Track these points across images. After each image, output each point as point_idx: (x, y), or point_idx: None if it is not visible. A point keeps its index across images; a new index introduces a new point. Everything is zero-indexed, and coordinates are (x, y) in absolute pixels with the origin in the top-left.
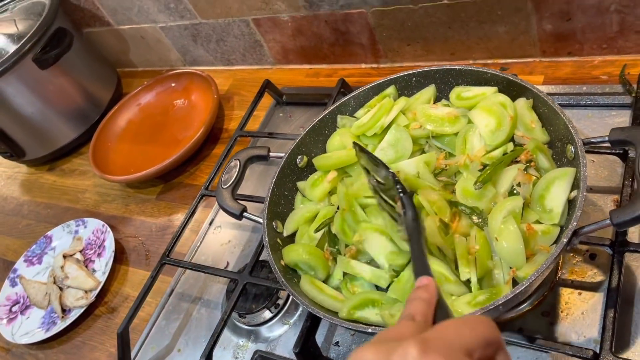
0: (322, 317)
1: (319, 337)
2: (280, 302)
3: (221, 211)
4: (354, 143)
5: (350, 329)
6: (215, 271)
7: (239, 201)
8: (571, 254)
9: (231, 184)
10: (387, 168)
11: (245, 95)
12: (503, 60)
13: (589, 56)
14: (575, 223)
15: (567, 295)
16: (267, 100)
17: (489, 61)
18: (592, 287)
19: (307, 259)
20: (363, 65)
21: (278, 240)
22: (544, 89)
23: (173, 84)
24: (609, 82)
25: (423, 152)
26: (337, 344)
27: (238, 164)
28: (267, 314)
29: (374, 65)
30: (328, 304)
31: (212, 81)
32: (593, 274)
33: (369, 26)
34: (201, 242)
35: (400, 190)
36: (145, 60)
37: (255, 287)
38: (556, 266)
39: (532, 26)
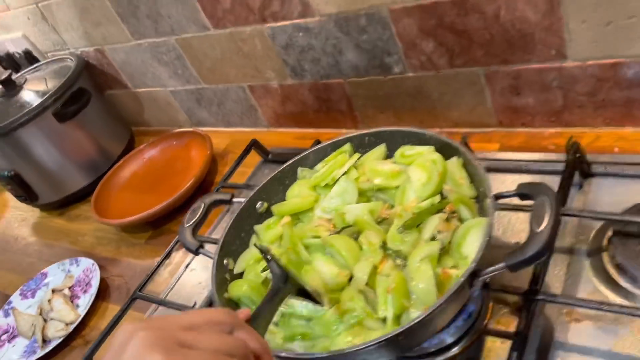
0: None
1: None
2: None
3: (198, 256)
4: (257, 246)
5: (279, 356)
6: (180, 307)
7: (201, 241)
8: (500, 305)
9: (192, 223)
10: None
11: (239, 153)
12: (465, 130)
13: (540, 128)
14: (473, 264)
15: (491, 343)
16: (257, 158)
17: (454, 130)
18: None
19: (249, 294)
20: (344, 130)
21: (226, 276)
22: (500, 155)
23: (175, 142)
24: (556, 151)
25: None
26: None
27: (202, 205)
28: None
29: (353, 130)
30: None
31: (208, 139)
32: (516, 325)
33: (346, 95)
34: (176, 283)
35: (269, 258)
36: (157, 120)
37: None
38: (483, 315)
39: (487, 99)
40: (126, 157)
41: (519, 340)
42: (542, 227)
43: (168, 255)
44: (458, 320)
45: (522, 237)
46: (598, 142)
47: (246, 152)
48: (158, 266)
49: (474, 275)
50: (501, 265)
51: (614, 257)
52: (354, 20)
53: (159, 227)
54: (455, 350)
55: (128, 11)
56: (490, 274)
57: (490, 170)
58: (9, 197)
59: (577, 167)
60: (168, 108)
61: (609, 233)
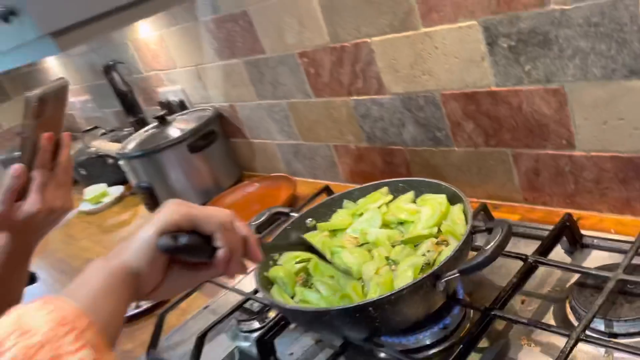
0: (278, 304)
1: (279, 346)
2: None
3: None
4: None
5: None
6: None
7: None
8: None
9: (257, 224)
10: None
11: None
12: (496, 202)
13: (557, 207)
14: (436, 267)
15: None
16: None
17: (487, 201)
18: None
19: (282, 277)
20: None
21: (270, 262)
22: (520, 223)
23: (269, 182)
24: None
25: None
26: (291, 354)
27: (267, 212)
28: (256, 324)
29: None
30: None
31: (294, 183)
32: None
33: (406, 160)
34: None
35: None
36: (262, 167)
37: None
38: (460, 330)
39: (514, 177)
40: (231, 189)
41: (466, 343)
42: (489, 246)
43: None
44: (434, 327)
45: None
46: (600, 224)
47: (318, 194)
48: None
49: (436, 276)
50: (455, 271)
51: (571, 301)
52: (414, 100)
53: None
54: (432, 352)
55: (257, 78)
56: (448, 277)
57: None
58: (141, 208)
59: (567, 234)
60: (272, 158)
61: (573, 282)
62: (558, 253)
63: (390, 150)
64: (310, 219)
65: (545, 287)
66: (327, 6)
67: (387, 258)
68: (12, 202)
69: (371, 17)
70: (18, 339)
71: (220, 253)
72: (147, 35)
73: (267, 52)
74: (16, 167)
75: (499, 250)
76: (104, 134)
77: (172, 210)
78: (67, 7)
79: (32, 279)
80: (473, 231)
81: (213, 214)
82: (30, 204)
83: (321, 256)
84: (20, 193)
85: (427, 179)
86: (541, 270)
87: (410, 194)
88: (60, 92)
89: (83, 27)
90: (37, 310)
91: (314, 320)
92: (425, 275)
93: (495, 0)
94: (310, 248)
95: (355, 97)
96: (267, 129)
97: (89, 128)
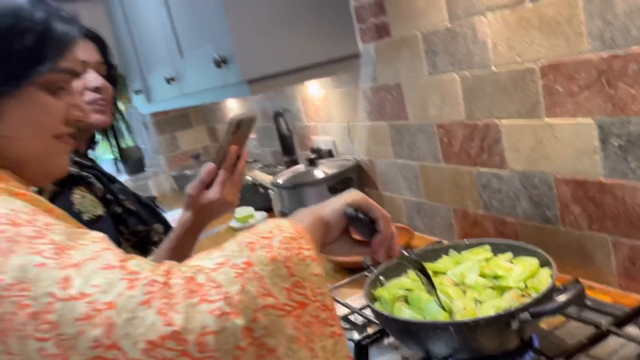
0: (379, 311)
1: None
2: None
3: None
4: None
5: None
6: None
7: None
8: None
9: None
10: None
11: None
12: (592, 283)
13: None
14: (512, 308)
15: None
16: None
17: (586, 281)
18: None
19: (386, 297)
20: None
21: (377, 284)
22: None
23: None
24: None
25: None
26: None
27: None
28: (356, 335)
29: None
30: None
31: (412, 234)
32: None
33: (516, 232)
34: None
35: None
36: None
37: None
38: None
39: (612, 262)
40: None
41: None
42: (559, 298)
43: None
44: None
45: None
46: None
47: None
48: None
49: (511, 315)
50: (527, 313)
51: None
52: (531, 179)
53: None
54: None
55: (397, 139)
56: (522, 318)
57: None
58: None
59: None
60: (398, 210)
61: None
62: (635, 330)
63: (503, 220)
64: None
65: (614, 356)
66: (468, 90)
67: (475, 299)
68: (201, 190)
69: (503, 103)
70: (279, 232)
71: (378, 236)
72: (315, 92)
73: (410, 119)
74: (209, 165)
75: (569, 303)
76: (260, 167)
77: (356, 193)
78: (265, 62)
79: None
80: (553, 288)
81: (380, 207)
82: (213, 193)
83: (427, 281)
84: (207, 184)
85: (525, 244)
86: (615, 340)
87: (508, 254)
88: (250, 121)
89: (272, 79)
90: (287, 220)
91: (404, 329)
92: (502, 312)
93: (611, 104)
94: (421, 271)
95: (479, 168)
96: (397, 185)
97: (250, 160)
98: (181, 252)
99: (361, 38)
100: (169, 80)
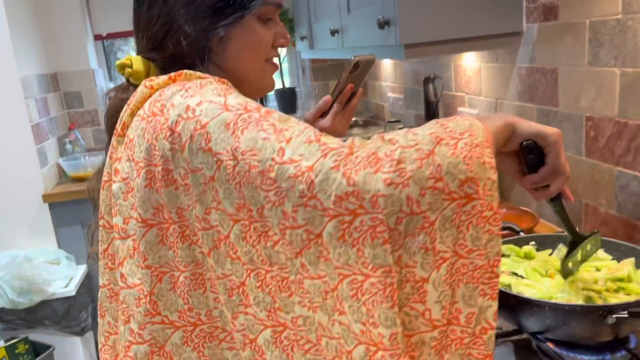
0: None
1: None
2: None
3: None
4: None
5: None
6: None
7: None
8: None
9: None
10: None
11: None
12: None
13: None
14: (610, 304)
15: None
16: None
17: None
18: None
19: None
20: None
21: None
22: None
23: (516, 213)
24: None
25: None
26: None
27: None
28: None
29: None
30: None
31: (536, 220)
32: None
33: None
34: None
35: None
36: (516, 200)
37: None
38: None
39: None
40: None
41: None
42: None
43: None
44: (592, 356)
45: None
46: None
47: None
48: None
49: (610, 310)
50: (625, 312)
51: None
52: None
53: None
54: None
55: (542, 123)
56: (618, 314)
57: None
58: None
59: None
60: (527, 194)
61: None
62: None
63: (635, 225)
64: (533, 242)
65: None
66: (626, 86)
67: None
68: (316, 117)
69: None
70: (469, 137)
71: (544, 169)
72: (469, 63)
73: (560, 106)
74: (327, 97)
75: None
76: (401, 128)
77: (554, 131)
78: (425, 29)
79: None
80: None
81: (554, 133)
82: (326, 121)
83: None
84: (323, 113)
85: (629, 244)
86: None
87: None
88: (368, 63)
89: (429, 46)
90: (481, 126)
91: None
92: (599, 304)
93: None
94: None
95: (620, 168)
96: None
97: (393, 120)
98: None
99: (527, 17)
100: (333, 32)
